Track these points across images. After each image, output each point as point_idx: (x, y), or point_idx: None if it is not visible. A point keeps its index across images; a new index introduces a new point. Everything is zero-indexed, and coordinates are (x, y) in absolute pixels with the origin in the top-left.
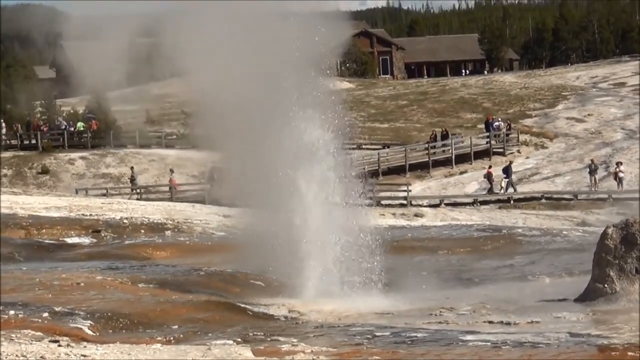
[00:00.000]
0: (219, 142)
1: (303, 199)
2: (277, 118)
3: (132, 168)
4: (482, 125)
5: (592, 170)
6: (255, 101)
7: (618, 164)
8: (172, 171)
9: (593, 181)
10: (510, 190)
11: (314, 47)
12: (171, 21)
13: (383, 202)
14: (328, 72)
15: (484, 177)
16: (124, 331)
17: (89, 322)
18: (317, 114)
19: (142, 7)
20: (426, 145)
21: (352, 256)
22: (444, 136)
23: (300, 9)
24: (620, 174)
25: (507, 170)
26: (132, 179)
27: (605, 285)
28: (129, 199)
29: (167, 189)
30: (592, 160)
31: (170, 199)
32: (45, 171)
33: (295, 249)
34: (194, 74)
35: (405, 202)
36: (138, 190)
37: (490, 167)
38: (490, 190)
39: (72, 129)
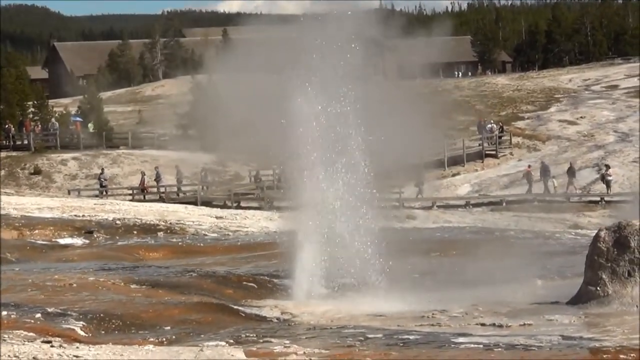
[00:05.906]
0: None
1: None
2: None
3: (102, 169)
4: (475, 128)
5: (571, 173)
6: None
7: (606, 166)
8: (143, 174)
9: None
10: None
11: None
12: None
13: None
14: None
15: (523, 177)
16: (116, 332)
17: (82, 323)
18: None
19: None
20: None
21: (345, 257)
22: None
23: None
24: (608, 177)
25: (570, 171)
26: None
27: (598, 288)
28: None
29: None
30: (570, 164)
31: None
32: (37, 172)
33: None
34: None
35: (397, 204)
36: (105, 191)
37: (529, 166)
38: (529, 191)
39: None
